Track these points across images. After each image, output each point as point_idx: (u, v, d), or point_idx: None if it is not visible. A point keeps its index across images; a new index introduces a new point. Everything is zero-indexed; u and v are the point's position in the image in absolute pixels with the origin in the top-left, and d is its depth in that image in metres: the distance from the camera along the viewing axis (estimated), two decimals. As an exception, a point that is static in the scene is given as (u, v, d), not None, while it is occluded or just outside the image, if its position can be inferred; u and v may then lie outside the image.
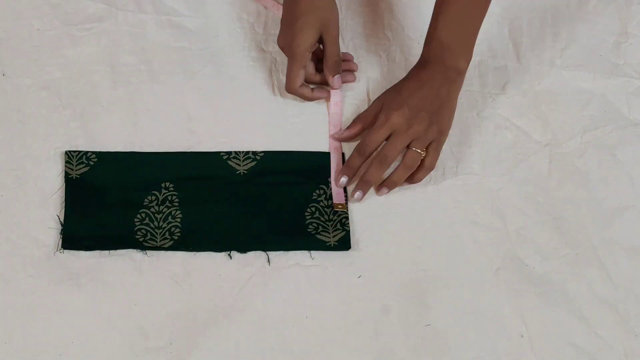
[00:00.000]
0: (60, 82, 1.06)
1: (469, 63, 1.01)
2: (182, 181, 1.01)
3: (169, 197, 1.00)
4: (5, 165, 1.00)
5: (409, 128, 0.98)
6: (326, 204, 1.00)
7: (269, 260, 0.97)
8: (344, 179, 1.00)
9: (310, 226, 0.99)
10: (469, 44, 1.00)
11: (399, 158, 0.99)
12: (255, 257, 0.97)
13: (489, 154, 1.05)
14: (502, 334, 0.94)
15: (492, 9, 1.15)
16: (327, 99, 1.07)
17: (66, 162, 1.00)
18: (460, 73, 1.00)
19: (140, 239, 0.97)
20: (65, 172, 1.00)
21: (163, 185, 1.00)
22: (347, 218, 0.99)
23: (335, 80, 1.06)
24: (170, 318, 0.93)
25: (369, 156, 1.00)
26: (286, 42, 1.03)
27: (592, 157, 1.06)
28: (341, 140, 1.05)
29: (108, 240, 0.96)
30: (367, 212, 1.00)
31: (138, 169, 1.01)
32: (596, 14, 1.17)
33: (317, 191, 1.01)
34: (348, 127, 1.04)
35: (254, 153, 1.03)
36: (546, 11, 1.17)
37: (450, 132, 1.01)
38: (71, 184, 0.99)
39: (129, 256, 0.96)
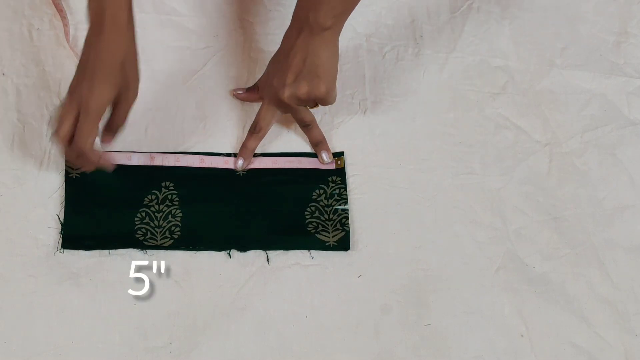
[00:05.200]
0: (60, 82, 1.06)
1: (333, 20, 0.96)
2: (182, 180, 1.01)
3: (169, 196, 1.00)
4: (5, 165, 1.00)
5: (308, 97, 0.98)
6: (326, 203, 1.00)
7: (268, 260, 0.97)
8: (240, 162, 1.02)
9: (310, 225, 0.99)
10: (332, 5, 0.95)
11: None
12: (255, 257, 0.97)
13: (489, 153, 1.05)
14: (502, 334, 0.94)
15: (492, 9, 1.16)
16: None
17: (66, 161, 1.00)
18: (325, 28, 0.96)
19: (141, 238, 0.97)
20: (65, 171, 1.00)
21: (163, 184, 1.00)
22: (347, 218, 0.99)
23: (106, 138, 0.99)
24: (170, 318, 0.93)
25: (263, 136, 1.02)
26: (80, 93, 0.92)
27: (592, 157, 1.06)
28: (241, 99, 1.07)
29: (108, 240, 0.96)
30: (367, 212, 1.00)
31: (138, 168, 1.01)
32: (596, 13, 1.17)
33: (317, 191, 1.01)
34: (249, 90, 1.06)
35: (254, 154, 1.03)
36: (546, 11, 1.17)
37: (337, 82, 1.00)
38: (71, 183, 0.99)
39: (129, 255, 0.96)
